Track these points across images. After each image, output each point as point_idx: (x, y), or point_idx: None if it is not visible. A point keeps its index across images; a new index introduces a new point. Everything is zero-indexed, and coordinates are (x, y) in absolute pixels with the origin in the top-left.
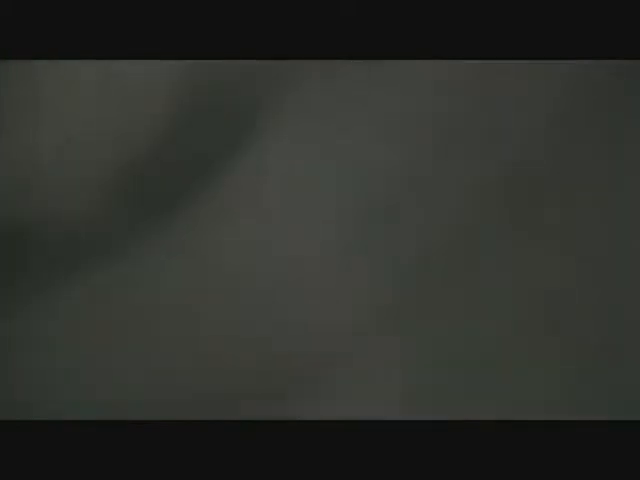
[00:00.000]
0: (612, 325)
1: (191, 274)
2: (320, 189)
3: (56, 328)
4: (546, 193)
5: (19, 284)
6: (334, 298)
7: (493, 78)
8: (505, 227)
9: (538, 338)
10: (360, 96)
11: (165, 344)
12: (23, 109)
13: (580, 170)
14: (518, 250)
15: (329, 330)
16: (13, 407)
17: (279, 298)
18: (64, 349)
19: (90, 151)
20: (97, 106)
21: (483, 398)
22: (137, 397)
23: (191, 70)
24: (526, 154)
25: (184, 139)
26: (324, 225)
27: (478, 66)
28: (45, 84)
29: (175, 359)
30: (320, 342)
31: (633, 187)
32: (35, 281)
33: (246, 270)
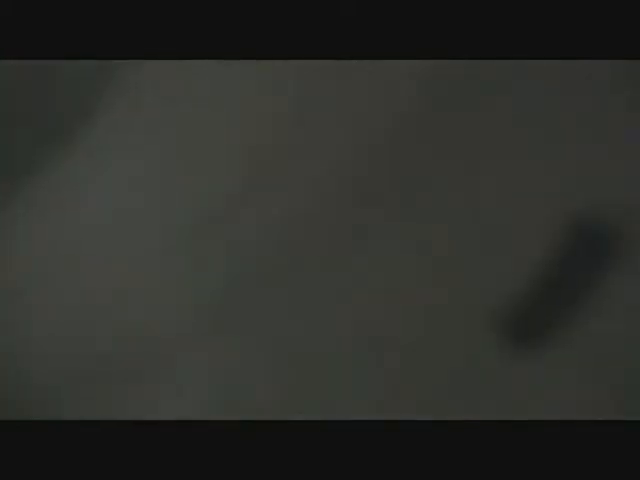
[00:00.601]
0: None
1: (5, 274)
2: (147, 191)
3: None
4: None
5: None
6: (159, 299)
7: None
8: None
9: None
10: (200, 97)
11: None
12: None
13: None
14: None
15: (152, 331)
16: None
17: (102, 300)
18: None
19: None
20: None
21: (321, 397)
22: None
23: (20, 70)
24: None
25: (4, 139)
26: (149, 228)
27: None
28: None
29: None
30: (143, 343)
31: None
32: None
33: (66, 270)
